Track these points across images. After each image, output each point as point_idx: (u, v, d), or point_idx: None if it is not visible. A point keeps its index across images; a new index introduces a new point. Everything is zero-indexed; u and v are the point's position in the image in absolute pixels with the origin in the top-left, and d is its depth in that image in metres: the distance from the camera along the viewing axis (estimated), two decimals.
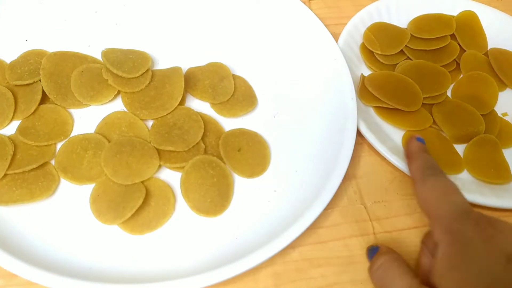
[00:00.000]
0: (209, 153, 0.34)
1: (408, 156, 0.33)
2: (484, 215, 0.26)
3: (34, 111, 0.34)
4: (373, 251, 0.31)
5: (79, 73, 0.36)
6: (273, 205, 0.33)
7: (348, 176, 0.35)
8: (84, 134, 0.34)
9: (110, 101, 0.36)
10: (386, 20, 0.45)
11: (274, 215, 0.32)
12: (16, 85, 0.35)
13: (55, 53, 0.37)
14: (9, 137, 0.33)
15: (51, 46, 0.38)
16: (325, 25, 0.41)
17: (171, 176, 0.33)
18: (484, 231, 0.25)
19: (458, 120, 0.38)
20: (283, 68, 0.40)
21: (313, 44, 0.40)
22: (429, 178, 0.29)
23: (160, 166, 0.33)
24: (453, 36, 0.44)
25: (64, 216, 0.31)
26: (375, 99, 0.38)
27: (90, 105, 0.36)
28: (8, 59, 0.37)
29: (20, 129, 0.33)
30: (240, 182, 0.34)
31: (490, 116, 0.40)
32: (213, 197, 0.32)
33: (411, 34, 0.43)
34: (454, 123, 0.38)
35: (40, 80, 0.35)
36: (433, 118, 0.39)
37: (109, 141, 0.34)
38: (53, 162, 0.33)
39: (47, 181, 0.32)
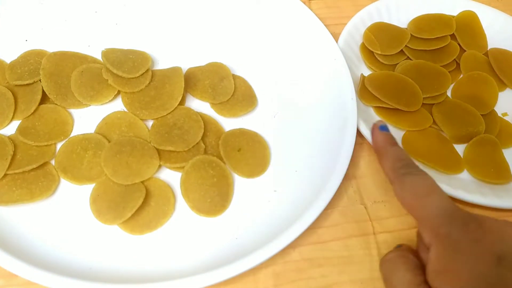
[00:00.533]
0: (209, 153, 0.34)
1: (377, 151, 0.30)
2: (471, 214, 0.26)
3: (34, 111, 0.34)
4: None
5: (79, 73, 0.36)
6: (273, 205, 0.33)
7: (348, 176, 0.35)
8: (84, 134, 0.34)
9: (110, 101, 0.36)
10: (386, 20, 0.45)
11: (274, 215, 0.32)
12: (16, 85, 0.35)
13: (55, 53, 0.37)
14: (9, 137, 0.33)
15: (51, 46, 0.38)
16: (325, 25, 0.41)
17: (171, 176, 0.33)
18: (472, 233, 0.25)
19: (458, 120, 0.38)
20: (283, 68, 0.40)
21: (313, 44, 0.40)
22: (405, 178, 0.27)
23: (160, 166, 0.33)
24: (453, 36, 0.44)
25: (64, 216, 0.31)
26: (375, 99, 0.38)
27: (90, 105, 0.36)
28: (8, 59, 0.37)
29: (20, 129, 0.33)
30: (240, 182, 0.34)
31: (490, 116, 0.40)
32: (213, 197, 0.32)
33: (411, 34, 0.43)
34: (454, 123, 0.38)
35: (40, 80, 0.35)
36: (433, 118, 0.39)
37: (109, 141, 0.34)
38: (53, 162, 0.33)
39: (47, 181, 0.32)
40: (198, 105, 0.37)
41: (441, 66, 0.42)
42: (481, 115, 0.39)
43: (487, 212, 0.34)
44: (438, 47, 0.43)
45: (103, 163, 0.32)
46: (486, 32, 0.46)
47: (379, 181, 0.36)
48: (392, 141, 0.30)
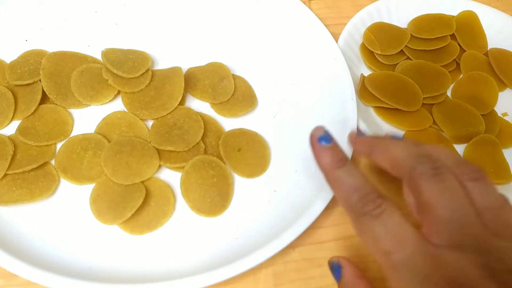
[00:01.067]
0: (209, 153, 0.34)
1: (324, 173, 0.26)
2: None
3: (34, 111, 0.34)
4: (337, 270, 0.27)
5: (79, 73, 0.36)
6: (273, 205, 0.33)
7: None
8: (84, 134, 0.34)
9: (110, 101, 0.36)
10: (386, 20, 0.45)
11: (274, 215, 0.32)
12: (16, 85, 0.35)
13: (55, 53, 0.37)
14: (9, 137, 0.33)
15: (51, 46, 0.38)
16: (325, 25, 0.41)
17: (171, 176, 0.33)
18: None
19: (458, 120, 0.38)
20: (283, 68, 0.40)
21: (313, 44, 0.40)
22: (364, 221, 0.24)
23: (160, 166, 0.33)
24: (453, 36, 0.44)
25: (64, 216, 0.31)
26: (375, 99, 0.38)
27: (90, 105, 0.36)
28: (8, 59, 0.37)
29: (20, 129, 0.33)
30: (240, 182, 0.34)
31: (490, 116, 0.40)
32: (213, 197, 0.32)
33: (411, 34, 0.43)
34: (454, 123, 0.38)
35: (40, 80, 0.35)
36: (433, 118, 0.39)
37: (109, 141, 0.34)
38: (53, 162, 0.33)
39: (47, 181, 0.32)
40: (198, 105, 0.37)
41: (441, 66, 0.42)
42: (481, 115, 0.39)
43: None
44: (438, 47, 0.43)
45: (103, 163, 0.32)
46: (486, 32, 0.46)
47: (379, 181, 0.36)
48: (339, 159, 0.25)
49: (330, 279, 0.31)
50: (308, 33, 0.41)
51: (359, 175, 0.24)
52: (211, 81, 0.38)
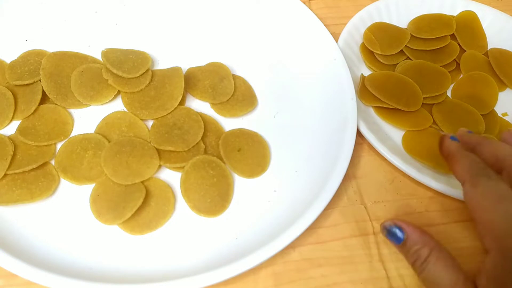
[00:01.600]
0: (209, 153, 0.34)
1: (449, 156, 0.31)
2: None
3: (34, 111, 0.34)
4: (395, 234, 0.29)
5: (79, 73, 0.36)
6: (273, 205, 0.33)
7: (348, 176, 0.35)
8: (84, 134, 0.34)
9: (110, 101, 0.36)
10: (386, 20, 0.45)
11: (274, 215, 0.32)
12: (16, 85, 0.35)
13: (55, 53, 0.37)
14: (9, 137, 0.33)
15: (51, 46, 0.38)
16: (325, 25, 0.41)
17: (171, 176, 0.33)
18: None
19: (458, 120, 0.38)
20: (283, 68, 0.40)
21: (313, 44, 0.40)
22: (480, 180, 0.27)
23: (160, 166, 0.33)
24: (453, 36, 0.44)
25: (64, 216, 0.31)
26: (375, 99, 0.38)
27: (90, 105, 0.36)
28: (8, 59, 0.37)
29: (20, 129, 0.33)
30: (240, 182, 0.34)
31: (490, 116, 0.40)
32: (213, 197, 0.32)
33: (411, 34, 0.43)
34: (454, 123, 0.38)
35: (40, 80, 0.35)
36: (433, 118, 0.39)
37: (109, 141, 0.34)
38: (53, 162, 0.33)
39: (47, 181, 0.32)
40: (198, 105, 0.37)
41: (441, 66, 0.42)
42: (481, 115, 0.39)
43: None
44: (438, 47, 0.43)
45: (103, 163, 0.32)
46: (486, 32, 0.46)
47: (379, 181, 0.36)
48: (466, 148, 0.31)
49: (330, 279, 0.31)
50: (308, 33, 0.41)
51: (482, 161, 0.29)
52: (211, 81, 0.38)
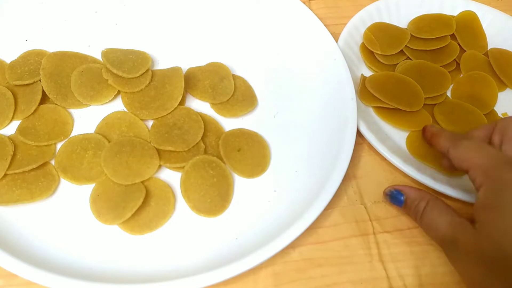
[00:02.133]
0: (209, 153, 0.34)
1: (432, 136, 0.34)
2: None
3: (34, 111, 0.34)
4: (396, 197, 0.33)
5: (79, 73, 0.36)
6: (273, 205, 0.33)
7: (348, 176, 0.35)
8: (84, 134, 0.34)
9: (110, 101, 0.36)
10: (386, 20, 0.45)
11: (274, 215, 0.32)
12: (16, 85, 0.35)
13: (55, 53, 0.37)
14: (9, 137, 0.33)
15: (51, 46, 0.38)
16: (325, 25, 0.41)
17: (171, 176, 0.33)
18: None
19: (460, 120, 0.38)
20: (283, 68, 0.40)
21: (313, 44, 0.40)
22: (461, 141, 0.31)
23: (160, 166, 0.33)
24: (453, 36, 0.44)
25: (64, 216, 0.31)
26: (375, 100, 0.38)
27: (90, 105, 0.36)
28: (8, 59, 0.37)
29: (20, 129, 0.33)
30: (240, 182, 0.34)
31: (490, 116, 0.40)
32: (213, 197, 0.32)
33: (411, 34, 0.43)
34: (456, 123, 0.38)
35: (40, 80, 0.35)
36: (435, 119, 0.39)
37: (109, 141, 0.34)
38: (53, 162, 0.33)
39: (47, 181, 0.32)
40: (198, 105, 0.37)
41: (441, 66, 0.42)
42: None
43: None
44: (438, 47, 0.43)
45: (103, 163, 0.32)
46: (486, 32, 0.46)
47: (379, 181, 0.36)
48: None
49: (330, 279, 0.31)
50: (308, 33, 0.41)
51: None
52: (211, 81, 0.38)
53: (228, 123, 0.37)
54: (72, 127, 0.35)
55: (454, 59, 0.43)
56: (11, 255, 0.27)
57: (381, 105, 0.38)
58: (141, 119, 0.35)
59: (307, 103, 0.38)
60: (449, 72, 0.42)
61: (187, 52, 0.40)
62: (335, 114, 0.36)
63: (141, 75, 0.36)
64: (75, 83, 0.35)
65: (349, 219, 0.34)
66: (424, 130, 0.36)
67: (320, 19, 0.41)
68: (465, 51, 0.44)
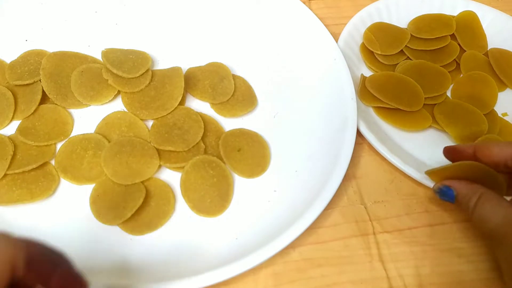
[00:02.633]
0: (209, 153, 0.34)
1: (475, 152, 0.30)
2: None
3: (34, 111, 0.34)
4: (447, 193, 0.30)
5: (79, 73, 0.36)
6: (273, 205, 0.33)
7: (348, 176, 0.35)
8: (84, 134, 0.34)
9: (110, 101, 0.36)
10: (386, 20, 0.45)
11: (274, 215, 0.32)
12: (16, 85, 0.35)
13: (55, 53, 0.37)
14: (9, 137, 0.33)
15: (51, 46, 0.38)
16: (325, 25, 0.41)
17: (171, 176, 0.33)
18: None
19: (461, 120, 0.38)
20: (283, 68, 0.40)
21: (313, 44, 0.40)
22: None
23: (160, 166, 0.33)
24: (453, 36, 0.44)
25: (64, 216, 0.31)
26: (375, 100, 0.38)
27: (90, 105, 0.36)
28: (8, 59, 0.37)
29: (20, 129, 0.33)
30: (240, 182, 0.34)
31: (490, 116, 0.40)
32: (213, 197, 0.32)
33: (411, 34, 0.43)
34: (457, 123, 0.38)
35: (40, 80, 0.35)
36: (435, 119, 0.39)
37: (109, 141, 0.34)
38: (53, 162, 0.33)
39: (47, 181, 0.32)
40: (198, 105, 0.37)
41: (441, 66, 0.42)
42: None
43: None
44: (438, 47, 0.43)
45: (103, 163, 0.32)
46: (486, 32, 0.46)
47: (379, 181, 0.36)
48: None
49: (330, 279, 0.31)
50: (308, 33, 0.41)
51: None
52: (211, 81, 0.38)
53: (228, 123, 0.37)
54: (72, 127, 0.35)
55: (454, 59, 0.43)
56: None
57: (381, 105, 0.38)
58: (141, 119, 0.35)
59: (307, 103, 0.38)
60: (449, 72, 0.42)
61: (187, 52, 0.40)
62: (335, 114, 0.36)
63: (141, 75, 0.36)
64: (75, 83, 0.35)
65: (349, 219, 0.34)
66: (452, 149, 0.32)
67: (320, 19, 0.41)
68: (465, 51, 0.44)
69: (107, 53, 0.36)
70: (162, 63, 0.39)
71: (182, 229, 0.31)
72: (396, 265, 0.32)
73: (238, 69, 0.40)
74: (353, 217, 0.34)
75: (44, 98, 0.35)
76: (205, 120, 0.36)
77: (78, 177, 0.32)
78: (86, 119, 0.35)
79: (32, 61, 0.36)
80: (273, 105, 0.38)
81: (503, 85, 0.43)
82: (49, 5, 0.41)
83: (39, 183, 0.31)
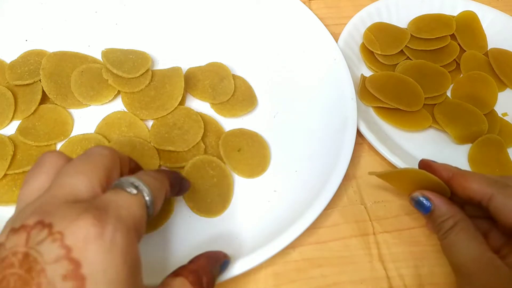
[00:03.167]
0: (209, 153, 0.34)
1: (451, 179, 0.28)
2: None
3: (34, 111, 0.34)
4: (423, 204, 0.28)
5: (79, 73, 0.36)
6: (273, 205, 0.33)
7: (348, 176, 0.35)
8: (84, 134, 0.34)
9: (110, 101, 0.36)
10: (386, 20, 0.45)
11: (274, 215, 0.32)
12: (16, 85, 0.35)
13: (55, 53, 0.37)
14: (9, 137, 0.33)
15: (51, 46, 0.38)
16: (325, 25, 0.41)
17: None
18: None
19: (461, 120, 0.38)
20: (283, 68, 0.40)
21: (313, 44, 0.40)
22: (509, 187, 0.26)
23: (160, 166, 0.33)
24: (453, 36, 0.44)
25: None
26: (375, 100, 0.38)
27: (90, 105, 0.36)
28: (8, 59, 0.37)
29: (20, 129, 0.33)
30: (240, 182, 0.34)
31: (490, 116, 0.40)
32: (213, 198, 0.32)
33: (411, 34, 0.43)
34: (457, 123, 0.38)
35: (40, 80, 0.35)
36: (435, 119, 0.39)
37: (109, 141, 0.34)
38: None
39: None
40: (198, 105, 0.37)
41: (441, 66, 0.42)
42: None
43: None
44: (438, 47, 0.43)
45: None
46: (486, 32, 0.46)
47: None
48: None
49: (330, 279, 0.31)
50: (308, 33, 0.41)
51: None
52: (211, 81, 0.38)
53: (228, 123, 0.37)
54: (72, 127, 0.35)
55: (454, 59, 0.43)
56: None
57: (381, 105, 0.38)
58: (141, 119, 0.35)
59: (307, 103, 0.38)
60: (449, 72, 0.42)
61: (187, 52, 0.40)
62: (335, 114, 0.36)
63: (141, 75, 0.36)
64: (75, 83, 0.35)
65: (349, 219, 0.34)
66: (427, 165, 0.30)
67: (320, 19, 0.41)
68: (465, 51, 0.44)
69: (107, 53, 0.36)
70: (162, 63, 0.39)
71: (182, 229, 0.31)
72: (396, 265, 0.32)
73: (238, 69, 0.40)
74: (353, 217, 0.34)
75: (44, 98, 0.35)
76: (205, 120, 0.36)
77: None
78: (86, 119, 0.35)
79: (32, 61, 0.36)
80: (273, 105, 0.38)
81: (503, 85, 0.43)
82: (49, 5, 0.41)
83: None
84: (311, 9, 0.42)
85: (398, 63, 0.42)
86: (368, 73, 0.42)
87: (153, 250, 0.30)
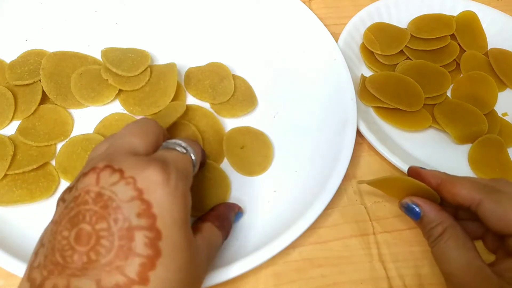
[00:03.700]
0: (207, 151, 0.34)
1: (439, 186, 0.28)
2: None
3: (34, 111, 0.34)
4: (412, 210, 0.28)
5: (78, 75, 0.36)
6: (273, 205, 0.33)
7: (348, 176, 0.35)
8: (84, 134, 0.34)
9: (111, 101, 0.36)
10: (386, 20, 0.45)
11: (274, 216, 0.32)
12: (16, 85, 0.35)
13: (55, 53, 0.37)
14: (9, 137, 0.33)
15: (51, 46, 0.38)
16: (325, 25, 0.41)
17: None
18: None
19: (461, 120, 0.38)
20: (283, 68, 0.40)
21: (313, 44, 0.40)
22: (501, 194, 0.26)
23: None
24: (453, 36, 0.44)
25: None
26: (375, 100, 0.38)
27: (90, 105, 0.36)
28: (8, 59, 0.37)
29: (20, 129, 0.33)
30: (240, 182, 0.34)
31: (490, 116, 0.40)
32: (211, 200, 0.32)
33: (411, 34, 0.43)
34: (457, 123, 0.38)
35: (40, 80, 0.35)
36: (435, 119, 0.39)
37: None
38: (53, 162, 0.33)
39: (47, 181, 0.31)
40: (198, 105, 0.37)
41: (441, 66, 0.42)
42: None
43: None
44: (438, 47, 0.43)
45: None
46: (486, 32, 0.46)
47: None
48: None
49: (330, 279, 0.31)
50: (308, 33, 0.41)
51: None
52: (211, 81, 0.38)
53: (228, 123, 0.37)
54: (72, 127, 0.35)
55: (454, 59, 0.43)
56: (11, 255, 0.27)
57: (381, 105, 0.38)
58: (134, 115, 0.35)
59: (307, 103, 0.38)
60: (449, 72, 0.42)
61: (187, 52, 0.40)
62: (335, 114, 0.36)
63: (141, 73, 0.36)
64: (75, 86, 0.35)
65: (349, 219, 0.34)
66: (416, 172, 0.30)
67: (320, 19, 0.41)
68: (465, 51, 0.44)
69: (106, 52, 0.36)
70: (162, 63, 0.39)
71: None
72: (396, 265, 0.32)
73: (238, 69, 0.40)
74: (353, 217, 0.34)
75: (44, 98, 0.35)
76: (203, 114, 0.36)
77: None
78: (86, 119, 0.35)
79: (32, 61, 0.36)
80: (273, 105, 0.38)
81: (503, 85, 0.43)
82: (49, 5, 0.41)
83: (39, 184, 0.31)
84: (311, 9, 0.42)
85: (398, 63, 0.42)
86: (368, 73, 0.42)
87: None
